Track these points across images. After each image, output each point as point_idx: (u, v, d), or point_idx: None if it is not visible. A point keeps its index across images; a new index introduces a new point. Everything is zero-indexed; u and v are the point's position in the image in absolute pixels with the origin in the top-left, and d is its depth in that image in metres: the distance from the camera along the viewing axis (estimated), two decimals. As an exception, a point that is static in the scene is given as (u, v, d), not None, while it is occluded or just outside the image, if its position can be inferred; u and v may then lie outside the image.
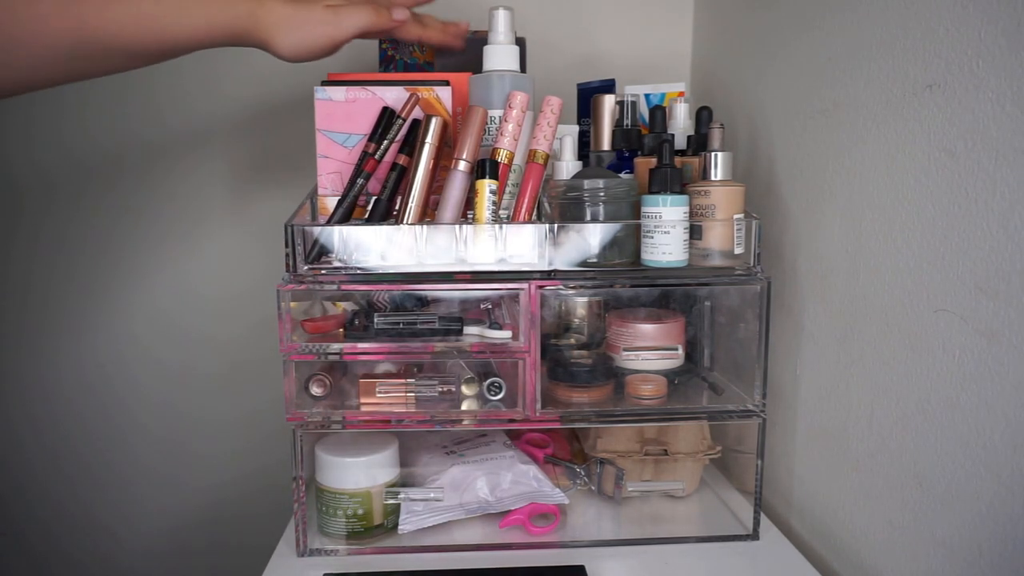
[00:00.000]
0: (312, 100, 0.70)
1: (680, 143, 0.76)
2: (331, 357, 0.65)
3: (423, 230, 0.64)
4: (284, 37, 0.61)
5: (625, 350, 0.70)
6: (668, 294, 0.74)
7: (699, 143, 0.72)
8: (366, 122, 0.69)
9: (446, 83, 0.70)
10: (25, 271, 1.01)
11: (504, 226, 0.64)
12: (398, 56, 0.84)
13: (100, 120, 0.97)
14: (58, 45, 0.54)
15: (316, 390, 0.67)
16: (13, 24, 0.53)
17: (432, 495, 0.68)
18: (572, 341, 0.73)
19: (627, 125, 0.76)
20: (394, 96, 0.68)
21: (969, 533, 0.50)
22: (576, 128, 0.84)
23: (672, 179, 0.64)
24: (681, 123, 0.78)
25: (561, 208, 0.67)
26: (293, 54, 0.62)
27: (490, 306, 0.69)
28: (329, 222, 0.66)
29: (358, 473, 0.66)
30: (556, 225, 0.65)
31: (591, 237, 0.65)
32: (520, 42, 0.71)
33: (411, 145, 0.67)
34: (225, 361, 1.03)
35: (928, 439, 0.54)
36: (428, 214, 0.68)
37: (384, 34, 0.66)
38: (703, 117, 0.72)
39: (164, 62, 0.61)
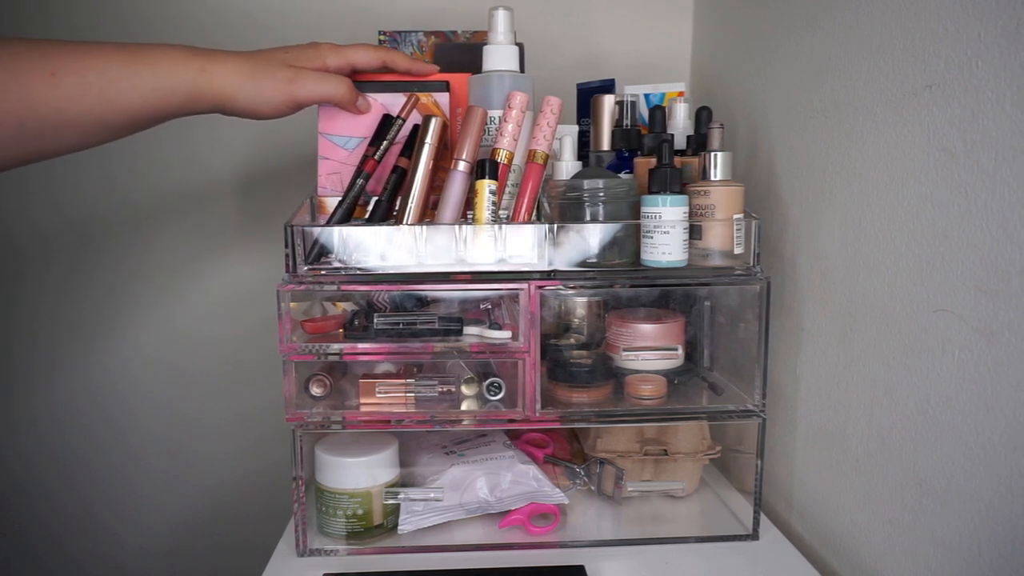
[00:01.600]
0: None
1: (680, 143, 0.76)
2: (331, 357, 0.65)
3: (423, 230, 0.64)
4: (242, 92, 0.59)
5: (625, 350, 0.70)
6: (668, 294, 0.74)
7: (699, 143, 0.72)
8: (366, 125, 0.69)
9: (445, 86, 0.70)
10: (31, 272, 1.01)
11: (504, 226, 0.64)
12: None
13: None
14: (5, 126, 0.52)
15: (316, 390, 0.67)
16: None
17: (432, 495, 0.68)
18: (572, 341, 0.73)
19: (627, 125, 0.76)
20: (395, 101, 0.68)
21: (969, 533, 0.50)
22: (576, 128, 0.84)
23: (672, 179, 0.64)
24: (681, 123, 0.78)
25: (561, 208, 0.67)
26: (252, 109, 0.61)
27: (490, 306, 0.69)
28: (329, 222, 0.66)
29: (358, 473, 0.66)
30: (556, 225, 0.65)
31: (591, 237, 0.65)
32: (519, 47, 0.71)
33: (412, 148, 0.67)
34: (225, 361, 1.03)
35: (928, 439, 0.54)
36: (428, 214, 0.68)
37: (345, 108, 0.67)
38: (703, 117, 0.72)
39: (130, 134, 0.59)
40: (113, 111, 0.56)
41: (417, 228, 0.64)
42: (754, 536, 0.69)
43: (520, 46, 0.70)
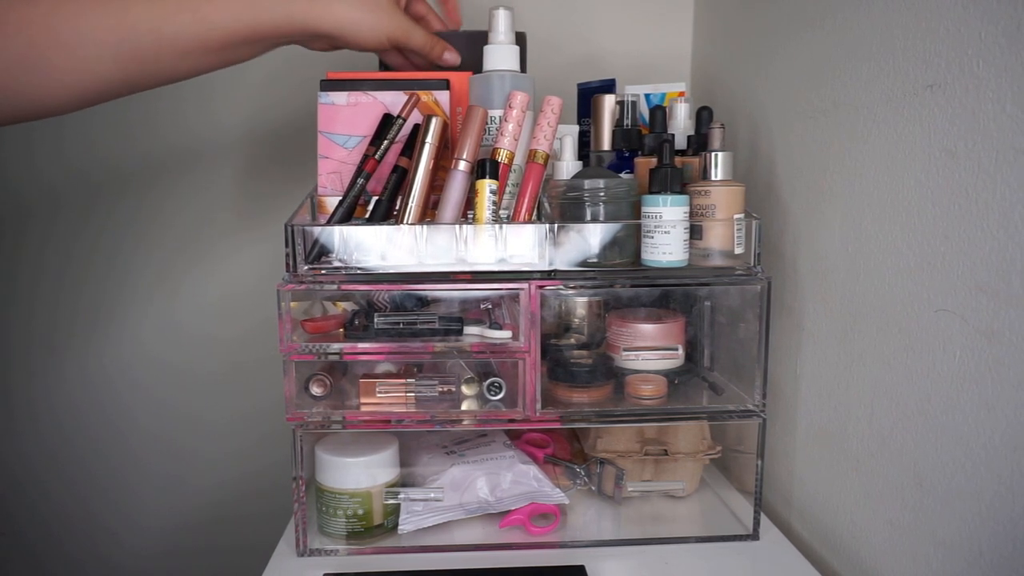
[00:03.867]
0: (313, 102, 0.70)
1: (680, 143, 0.76)
2: (331, 357, 0.65)
3: (423, 230, 0.64)
4: (354, 21, 0.62)
5: (625, 350, 0.70)
6: (668, 294, 0.74)
7: (699, 143, 0.72)
8: (366, 124, 0.69)
9: (445, 84, 0.70)
10: (28, 270, 1.01)
11: (504, 226, 0.64)
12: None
13: (103, 126, 0.97)
14: (105, 44, 0.53)
15: (316, 390, 0.67)
16: (60, 26, 0.52)
17: (432, 495, 0.68)
18: (572, 341, 0.73)
19: (627, 125, 0.76)
20: (395, 100, 0.68)
21: (969, 533, 0.50)
22: (576, 128, 0.84)
23: (672, 179, 0.64)
24: (681, 123, 0.78)
25: (561, 208, 0.67)
26: (358, 38, 0.63)
27: (490, 306, 0.69)
28: (329, 222, 0.66)
29: (358, 473, 0.66)
30: (556, 225, 0.65)
31: (591, 237, 0.65)
32: (521, 37, 0.71)
33: (412, 148, 0.67)
34: (225, 361, 1.03)
35: (928, 439, 0.54)
36: (428, 214, 0.68)
37: (420, 57, 0.69)
38: (703, 117, 0.72)
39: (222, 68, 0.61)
40: (208, 28, 0.57)
41: (417, 228, 0.64)
42: (754, 536, 0.69)
43: (522, 36, 0.70)
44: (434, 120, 0.65)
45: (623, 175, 0.73)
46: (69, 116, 0.59)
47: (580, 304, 0.74)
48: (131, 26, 0.54)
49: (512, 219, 0.66)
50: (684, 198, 0.64)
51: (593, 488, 0.74)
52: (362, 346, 0.65)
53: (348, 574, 0.63)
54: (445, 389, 0.68)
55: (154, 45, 0.55)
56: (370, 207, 0.68)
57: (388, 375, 0.69)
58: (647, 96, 0.83)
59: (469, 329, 0.67)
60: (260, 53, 0.62)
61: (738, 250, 0.66)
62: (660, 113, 0.73)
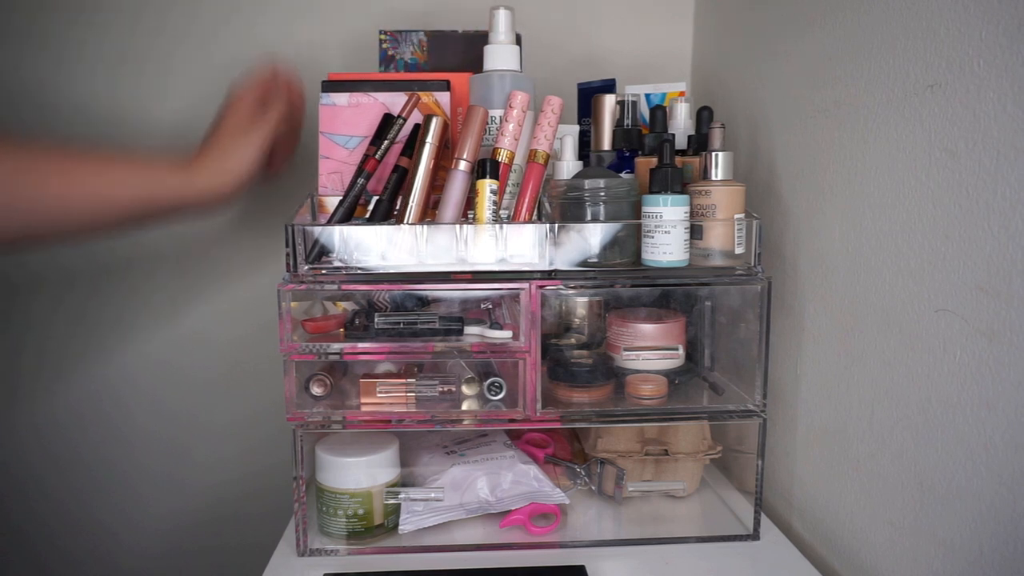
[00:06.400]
0: (314, 103, 0.70)
1: (681, 143, 0.76)
2: (331, 357, 0.65)
3: (424, 230, 0.64)
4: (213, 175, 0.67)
5: (625, 350, 0.70)
6: (668, 294, 0.74)
7: (700, 143, 0.72)
8: (367, 125, 0.69)
9: (446, 85, 0.70)
10: (31, 271, 1.01)
11: (505, 226, 0.64)
12: (398, 56, 0.84)
13: (105, 129, 0.97)
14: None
15: (316, 390, 0.67)
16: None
17: (432, 495, 0.68)
18: (572, 341, 0.73)
19: (628, 125, 0.76)
20: (395, 100, 0.69)
21: (970, 533, 0.50)
22: (576, 128, 0.84)
23: (673, 179, 0.64)
24: (682, 123, 0.78)
25: (562, 208, 0.67)
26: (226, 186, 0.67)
27: (491, 306, 0.69)
28: (330, 222, 0.66)
29: (358, 473, 0.66)
30: (557, 225, 0.65)
31: (591, 237, 0.65)
32: (516, 39, 0.71)
33: (413, 148, 0.67)
34: (226, 361, 1.03)
35: (929, 439, 0.54)
36: (429, 214, 0.68)
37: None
38: (704, 117, 0.72)
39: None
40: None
41: (418, 228, 0.64)
42: (755, 536, 0.69)
43: (518, 37, 0.70)
44: (434, 120, 0.65)
45: (623, 175, 0.73)
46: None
47: (580, 304, 0.74)
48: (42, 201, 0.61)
49: (512, 219, 0.66)
50: (684, 198, 0.64)
51: (593, 488, 0.74)
52: (362, 346, 0.65)
53: (348, 574, 0.63)
54: (445, 389, 0.68)
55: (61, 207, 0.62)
56: (370, 207, 0.68)
57: (388, 375, 0.69)
58: (647, 96, 0.83)
59: (469, 329, 0.67)
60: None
61: (738, 250, 0.66)
62: (660, 113, 0.73)
